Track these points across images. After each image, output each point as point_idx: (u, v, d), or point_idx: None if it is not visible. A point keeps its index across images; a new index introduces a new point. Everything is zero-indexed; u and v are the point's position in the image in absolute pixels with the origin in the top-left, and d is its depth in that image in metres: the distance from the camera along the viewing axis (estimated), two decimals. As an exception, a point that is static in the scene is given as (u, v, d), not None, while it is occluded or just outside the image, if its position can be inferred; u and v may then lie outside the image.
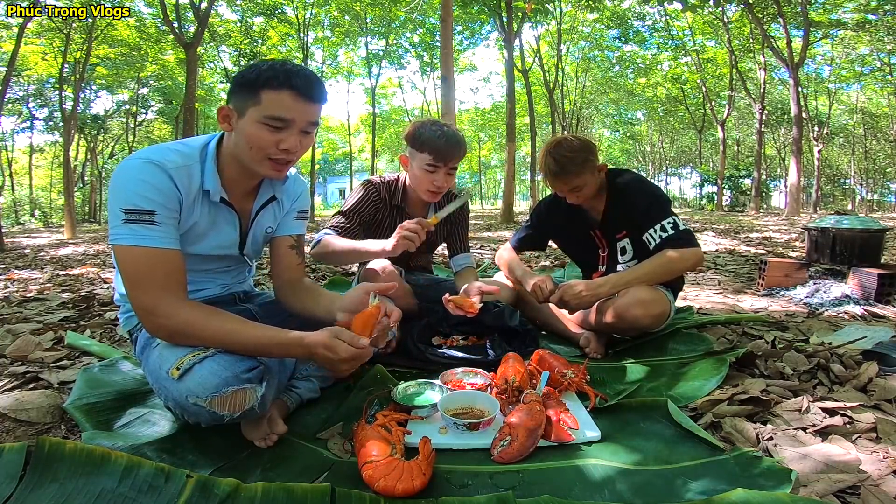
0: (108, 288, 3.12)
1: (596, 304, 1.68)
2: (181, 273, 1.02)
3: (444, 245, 2.01)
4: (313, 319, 1.14)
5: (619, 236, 1.74)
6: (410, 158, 1.68)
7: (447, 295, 1.55)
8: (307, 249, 1.47)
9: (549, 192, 1.92)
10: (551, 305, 1.91)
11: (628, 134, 30.06)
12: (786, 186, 18.58)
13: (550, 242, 2.08)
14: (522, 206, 27.50)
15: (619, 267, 1.77)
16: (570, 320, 1.82)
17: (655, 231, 1.58)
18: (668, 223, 1.57)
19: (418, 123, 1.68)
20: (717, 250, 4.84)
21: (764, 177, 21.11)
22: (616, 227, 1.73)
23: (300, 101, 1.01)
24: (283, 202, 1.25)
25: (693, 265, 1.59)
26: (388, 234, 1.79)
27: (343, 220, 1.71)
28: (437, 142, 1.60)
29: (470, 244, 2.01)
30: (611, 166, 1.81)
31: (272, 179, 1.16)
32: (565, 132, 18.48)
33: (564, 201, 1.81)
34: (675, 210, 1.80)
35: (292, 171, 1.22)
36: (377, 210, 1.76)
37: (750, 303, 2.45)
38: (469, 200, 1.99)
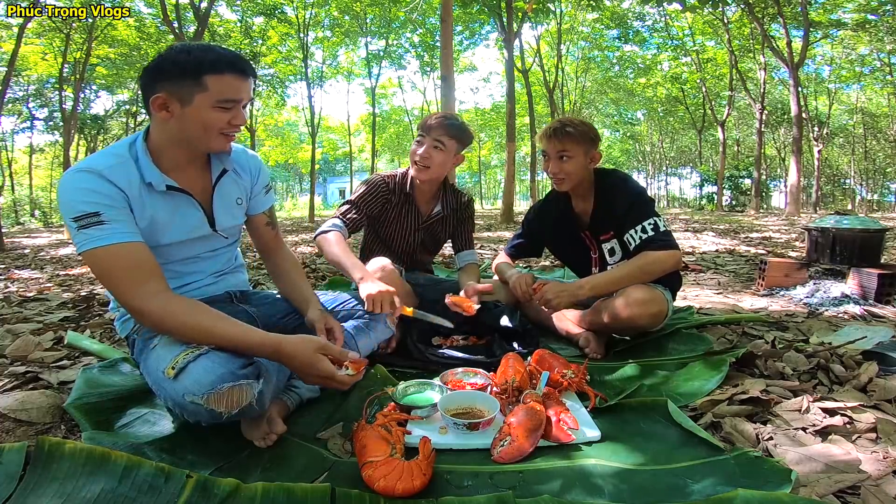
0: (108, 288, 3.12)
1: (594, 305, 1.69)
2: (147, 262, 1.04)
3: (446, 244, 2.04)
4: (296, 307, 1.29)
5: (605, 237, 1.75)
6: None
7: (450, 294, 1.60)
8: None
9: (548, 191, 1.93)
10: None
11: (628, 134, 30.04)
12: (786, 186, 18.58)
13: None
14: (522, 206, 27.46)
15: (609, 269, 1.78)
16: (569, 320, 1.82)
17: (636, 232, 1.59)
18: (649, 224, 1.58)
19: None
20: (717, 250, 4.83)
21: (764, 177, 21.10)
22: (602, 227, 1.74)
23: (243, 79, 1.07)
24: (239, 173, 1.27)
25: (671, 267, 1.59)
26: (395, 224, 1.86)
27: (352, 209, 1.74)
28: (429, 118, 1.77)
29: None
30: (609, 166, 1.82)
31: (219, 152, 1.18)
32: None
33: (553, 204, 1.84)
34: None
35: (234, 144, 1.26)
36: (385, 202, 1.81)
37: (750, 303, 2.45)
38: (473, 200, 2.03)
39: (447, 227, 1.95)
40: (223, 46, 1.11)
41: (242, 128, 1.16)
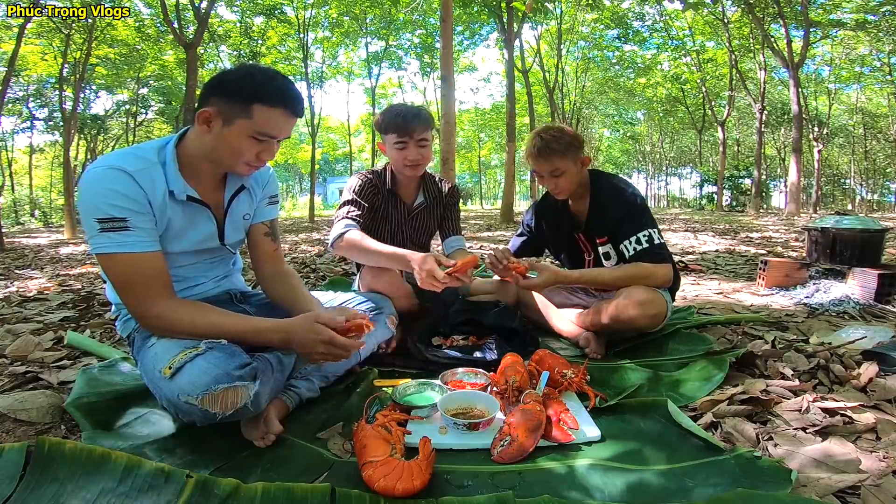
0: (108, 288, 3.12)
1: (594, 305, 1.70)
2: (164, 272, 1.06)
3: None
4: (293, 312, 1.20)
5: (601, 241, 1.76)
6: (385, 144, 1.76)
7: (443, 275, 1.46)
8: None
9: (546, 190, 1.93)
10: (549, 306, 1.91)
11: (628, 134, 30.03)
12: (786, 186, 18.57)
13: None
14: (522, 206, 27.42)
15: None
16: (569, 321, 1.82)
17: (630, 243, 1.63)
18: (644, 236, 1.61)
19: (383, 110, 1.78)
20: (716, 250, 4.83)
21: (764, 177, 21.08)
22: (597, 231, 1.76)
23: (290, 118, 1.07)
24: (254, 189, 1.29)
25: (662, 280, 1.62)
26: (385, 219, 1.87)
27: (353, 208, 1.73)
28: (396, 119, 1.69)
29: (469, 245, 2.01)
30: (610, 167, 1.83)
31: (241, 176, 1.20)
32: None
33: (551, 203, 1.85)
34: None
35: None
36: (375, 195, 1.81)
37: (750, 302, 2.45)
38: (458, 187, 2.03)
39: (434, 216, 1.95)
40: (286, 78, 1.08)
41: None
